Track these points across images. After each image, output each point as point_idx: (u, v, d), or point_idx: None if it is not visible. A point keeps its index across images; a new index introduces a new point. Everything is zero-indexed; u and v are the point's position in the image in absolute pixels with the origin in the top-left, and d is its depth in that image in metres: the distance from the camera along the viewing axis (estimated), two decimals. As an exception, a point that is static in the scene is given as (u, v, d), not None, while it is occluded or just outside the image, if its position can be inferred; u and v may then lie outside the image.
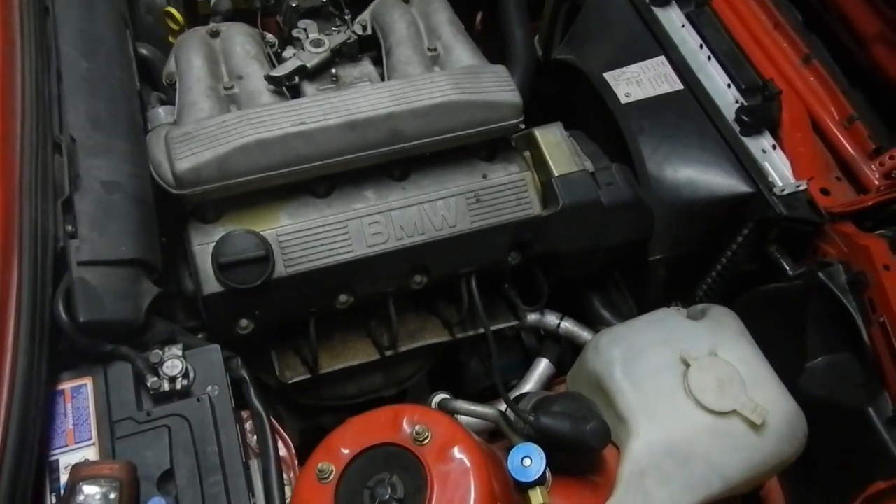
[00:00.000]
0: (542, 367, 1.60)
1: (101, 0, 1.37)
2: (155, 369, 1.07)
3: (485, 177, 1.42)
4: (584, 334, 1.60)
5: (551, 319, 1.62)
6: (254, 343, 1.41)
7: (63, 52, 1.25)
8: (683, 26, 1.76)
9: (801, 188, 1.50)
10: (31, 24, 1.21)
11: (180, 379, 1.07)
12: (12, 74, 1.13)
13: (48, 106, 1.17)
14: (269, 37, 1.52)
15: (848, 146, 1.61)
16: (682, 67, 1.69)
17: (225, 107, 1.36)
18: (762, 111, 1.60)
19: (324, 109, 1.28)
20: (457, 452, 1.05)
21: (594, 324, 1.65)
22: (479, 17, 2.21)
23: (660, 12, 1.78)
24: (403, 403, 1.34)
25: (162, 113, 1.39)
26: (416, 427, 1.07)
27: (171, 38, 1.60)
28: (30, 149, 1.08)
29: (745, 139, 1.58)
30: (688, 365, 1.26)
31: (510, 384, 1.63)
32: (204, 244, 1.27)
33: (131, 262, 1.12)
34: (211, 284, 1.26)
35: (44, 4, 1.28)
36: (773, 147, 1.57)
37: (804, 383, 1.42)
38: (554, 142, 1.48)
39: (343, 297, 1.37)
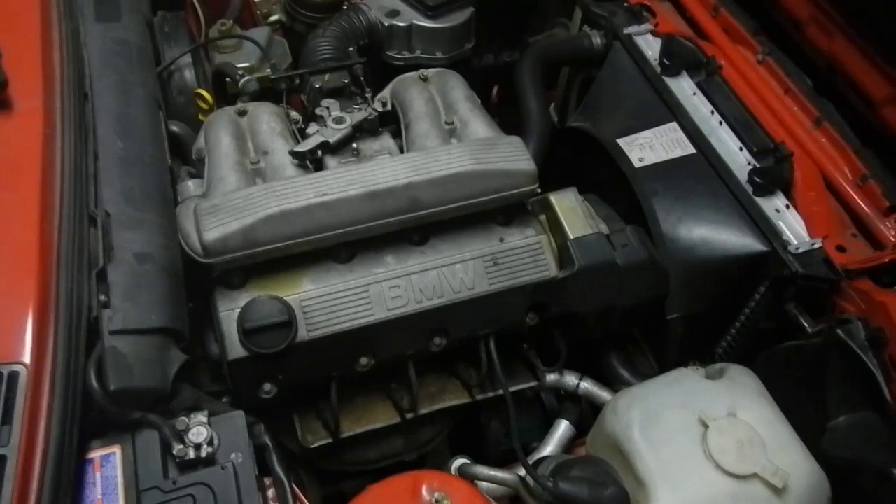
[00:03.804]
0: (563, 428, 1.60)
1: (137, 85, 1.45)
2: (181, 436, 1.09)
3: (502, 241, 1.45)
4: (603, 394, 1.60)
5: (570, 380, 1.63)
6: (276, 407, 1.44)
7: (100, 133, 1.32)
8: (694, 94, 1.81)
9: (816, 246, 1.52)
10: (71, 108, 1.29)
11: (205, 446, 1.09)
12: (52, 155, 1.20)
13: (85, 183, 1.24)
14: (294, 114, 1.59)
15: (862, 204, 1.63)
16: (693, 132, 1.73)
17: (251, 180, 1.42)
18: (774, 172, 1.63)
19: (345, 181, 1.34)
20: (475, 519, 1.06)
21: (613, 383, 1.65)
22: (495, 90, 2.29)
23: (671, 81, 1.83)
24: (423, 469, 1.35)
25: (192, 186, 1.45)
26: (436, 494, 1.09)
27: (201, 117, 1.69)
28: (67, 223, 1.14)
29: (758, 199, 1.60)
30: (706, 426, 1.26)
31: (531, 446, 1.63)
32: (229, 310, 1.31)
33: (160, 331, 1.15)
34: (236, 350, 1.30)
35: (84, 91, 1.37)
36: (787, 207, 1.60)
37: (827, 444, 1.40)
38: (569, 206, 1.52)
39: (364, 360, 1.40)
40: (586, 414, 1.64)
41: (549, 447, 1.59)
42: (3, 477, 0.89)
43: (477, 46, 2.03)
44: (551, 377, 1.63)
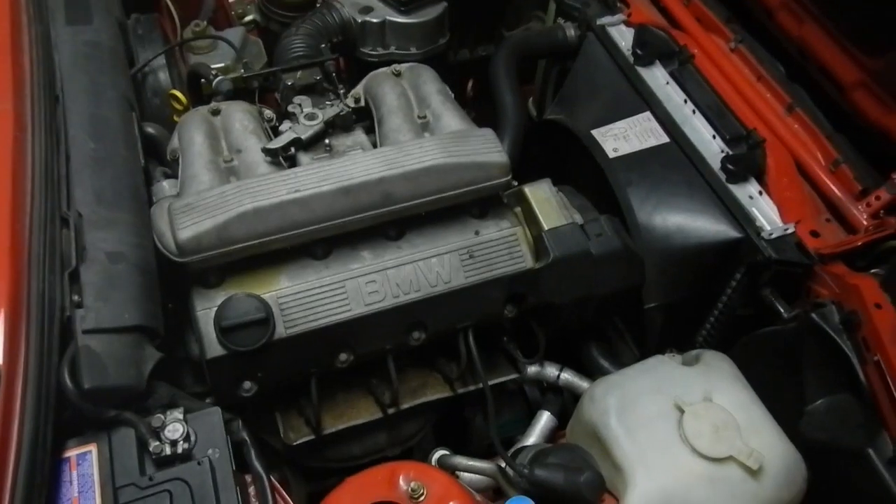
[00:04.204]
0: (544, 419, 1.61)
1: (109, 87, 1.46)
2: (157, 433, 1.10)
3: (477, 233, 1.46)
4: (583, 385, 1.61)
5: (551, 371, 1.64)
6: (260, 406, 1.44)
7: (71, 134, 1.33)
8: (668, 83, 1.82)
9: (789, 231, 1.53)
10: (42, 111, 1.29)
11: (181, 442, 1.10)
12: (23, 157, 1.20)
13: (57, 184, 1.24)
14: (267, 112, 1.59)
15: (835, 189, 1.64)
16: (667, 121, 1.75)
17: (225, 178, 1.43)
18: (747, 159, 1.64)
19: (318, 177, 1.34)
20: (452, 508, 1.07)
21: (594, 373, 1.66)
22: (470, 84, 2.31)
23: (644, 71, 1.84)
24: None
25: (166, 186, 1.46)
26: (412, 484, 1.10)
27: (175, 118, 1.69)
28: (38, 224, 1.15)
29: (731, 187, 1.61)
30: (682, 411, 1.27)
31: (514, 439, 1.63)
32: (206, 309, 1.32)
33: (134, 329, 1.16)
34: (214, 348, 1.30)
35: (55, 93, 1.38)
36: (760, 193, 1.61)
37: (805, 427, 1.42)
38: (543, 197, 1.53)
39: (343, 356, 1.41)
40: (568, 405, 1.65)
41: (531, 438, 1.59)
42: (-24, 473, 0.89)
43: (452, 41, 2.05)
44: (532, 369, 1.64)
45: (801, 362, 1.46)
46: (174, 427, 1.10)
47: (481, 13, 2.12)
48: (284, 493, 1.25)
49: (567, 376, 1.62)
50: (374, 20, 1.90)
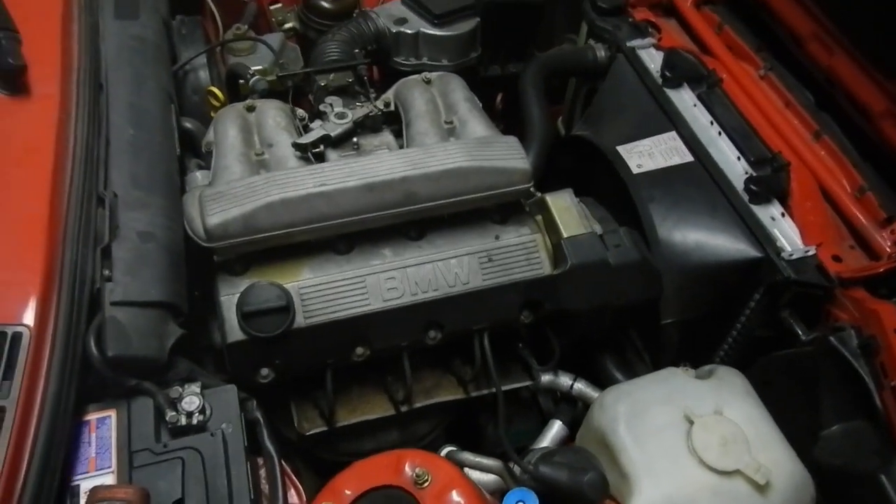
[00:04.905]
0: (556, 428, 1.61)
1: (150, 79, 1.53)
2: (174, 404, 1.14)
3: (497, 238, 1.48)
4: (596, 395, 1.61)
5: (564, 381, 1.64)
6: (276, 397, 1.47)
7: (112, 121, 1.40)
8: (695, 105, 1.83)
9: (810, 253, 1.53)
10: (85, 97, 1.37)
11: (197, 414, 1.13)
12: (65, 138, 1.27)
13: (95, 166, 1.31)
14: (300, 111, 1.65)
15: (860, 216, 1.64)
16: (692, 141, 1.75)
17: (255, 171, 1.48)
18: (771, 181, 1.65)
19: (344, 173, 1.38)
20: (455, 496, 1.10)
21: (607, 385, 1.66)
22: (499, 97, 2.35)
23: (672, 93, 1.86)
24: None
25: (199, 176, 1.52)
26: (417, 470, 1.11)
27: (212, 114, 1.76)
28: (76, 201, 1.21)
29: (753, 207, 1.62)
30: (692, 423, 1.27)
31: (526, 449, 1.64)
32: (229, 294, 1.36)
33: (159, 305, 1.21)
34: (234, 333, 1.33)
35: (99, 81, 1.45)
36: (783, 215, 1.61)
37: (820, 452, 1.40)
38: (564, 206, 1.55)
39: (360, 350, 1.43)
40: (580, 416, 1.65)
41: (542, 445, 1.59)
42: (1, 426, 0.94)
43: (483, 57, 2.09)
44: (546, 377, 1.64)
45: (818, 386, 1.45)
46: (191, 399, 1.14)
47: (513, 31, 2.17)
48: (294, 477, 1.28)
49: (580, 386, 1.63)
50: (408, 31, 1.95)
